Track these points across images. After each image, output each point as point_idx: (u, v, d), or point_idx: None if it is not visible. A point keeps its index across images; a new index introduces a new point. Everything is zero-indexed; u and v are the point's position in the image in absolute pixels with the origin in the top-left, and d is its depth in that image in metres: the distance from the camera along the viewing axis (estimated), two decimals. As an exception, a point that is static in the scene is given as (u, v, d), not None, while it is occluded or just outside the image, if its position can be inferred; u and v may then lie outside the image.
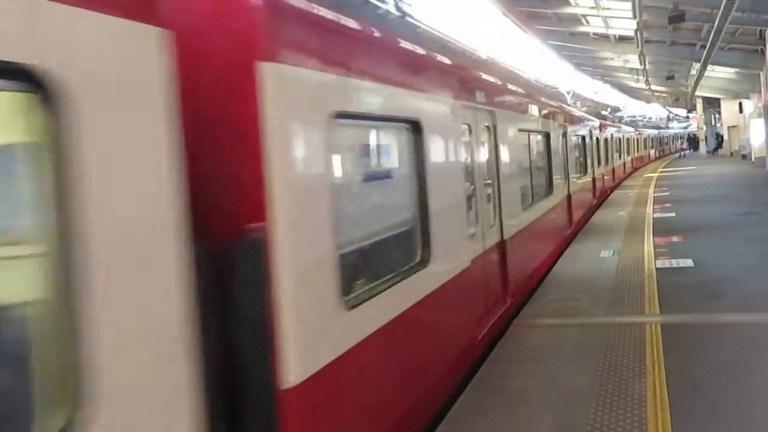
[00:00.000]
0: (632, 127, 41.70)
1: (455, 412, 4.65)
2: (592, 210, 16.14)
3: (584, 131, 15.53)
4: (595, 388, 4.82)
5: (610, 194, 20.93)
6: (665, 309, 6.84)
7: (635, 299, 7.33)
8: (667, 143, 66.86)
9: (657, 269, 8.81)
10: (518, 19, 21.80)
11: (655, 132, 57.26)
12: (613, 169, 23.52)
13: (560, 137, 11.84)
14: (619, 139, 27.26)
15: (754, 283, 7.57)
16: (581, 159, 14.94)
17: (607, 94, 50.47)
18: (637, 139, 38.59)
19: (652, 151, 49.68)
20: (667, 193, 20.00)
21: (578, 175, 14.09)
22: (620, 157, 26.90)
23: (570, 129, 12.92)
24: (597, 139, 18.39)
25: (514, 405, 4.67)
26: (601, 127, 19.92)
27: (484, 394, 4.93)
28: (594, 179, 16.74)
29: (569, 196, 12.26)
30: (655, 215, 14.71)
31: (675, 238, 11.18)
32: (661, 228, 12.60)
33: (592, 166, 16.54)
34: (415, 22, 5.67)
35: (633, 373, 5.07)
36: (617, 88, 47.34)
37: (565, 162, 12.21)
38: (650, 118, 74.12)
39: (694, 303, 7.00)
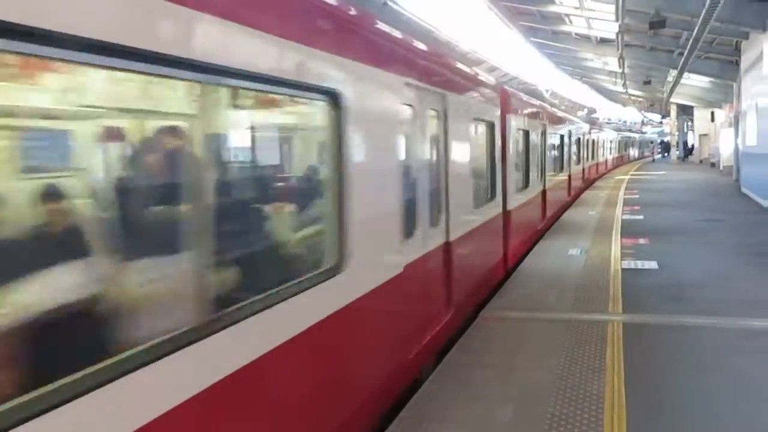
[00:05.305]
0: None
1: (418, 400, 4.70)
2: None
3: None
4: (555, 383, 4.91)
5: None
6: (628, 309, 6.99)
7: (600, 297, 7.48)
8: (638, 147, 66.94)
9: (622, 269, 8.99)
10: (503, 14, 21.84)
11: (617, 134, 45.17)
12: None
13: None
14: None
15: (715, 288, 7.78)
16: None
17: (584, 95, 50.98)
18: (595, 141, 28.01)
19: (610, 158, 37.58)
20: (637, 196, 20.35)
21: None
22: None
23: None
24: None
25: (477, 395, 4.75)
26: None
27: (449, 383, 4.99)
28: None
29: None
30: (624, 217, 14.97)
31: (641, 240, 11.41)
32: (628, 229, 12.84)
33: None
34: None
35: (593, 369, 5.18)
36: (595, 89, 47.82)
37: None
38: (625, 121, 75.03)
39: (656, 304, 7.16)
